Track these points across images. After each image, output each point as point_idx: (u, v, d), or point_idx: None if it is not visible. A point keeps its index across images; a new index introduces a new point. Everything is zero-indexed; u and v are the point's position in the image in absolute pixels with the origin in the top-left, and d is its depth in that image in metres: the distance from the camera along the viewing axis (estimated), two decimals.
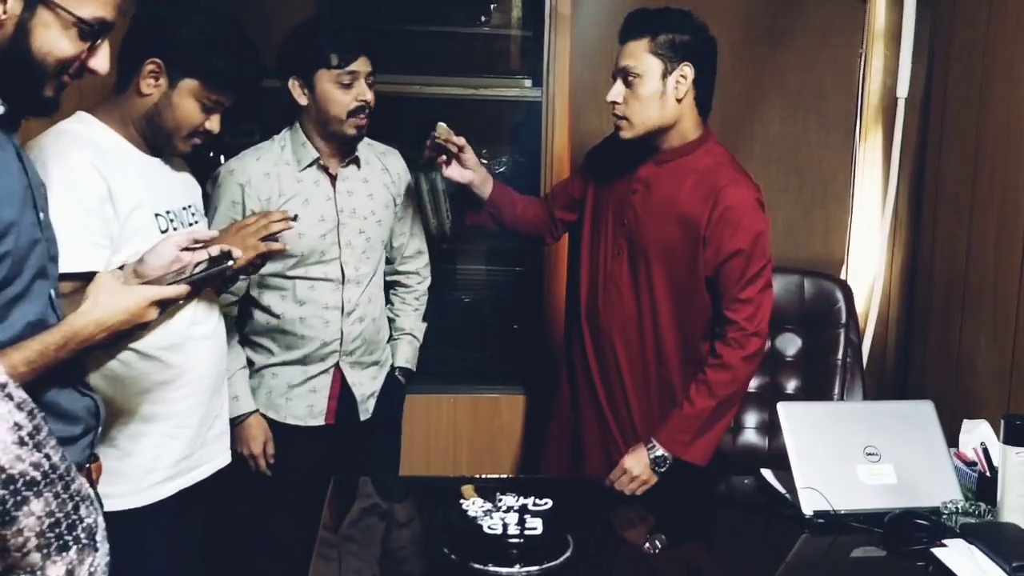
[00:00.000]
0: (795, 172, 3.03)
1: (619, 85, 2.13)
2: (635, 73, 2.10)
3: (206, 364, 1.94)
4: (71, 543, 0.94)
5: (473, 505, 1.87)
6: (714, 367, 2.13)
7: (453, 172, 2.30)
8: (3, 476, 0.87)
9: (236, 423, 2.24)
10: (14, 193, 1.35)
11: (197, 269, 1.58)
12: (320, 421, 2.37)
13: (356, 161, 2.38)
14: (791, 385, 2.88)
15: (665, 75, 2.09)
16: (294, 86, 2.26)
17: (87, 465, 1.52)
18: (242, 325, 2.36)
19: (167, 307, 1.53)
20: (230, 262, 1.59)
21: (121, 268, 1.67)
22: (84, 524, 0.95)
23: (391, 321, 2.56)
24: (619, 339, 2.23)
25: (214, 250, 1.62)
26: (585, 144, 2.84)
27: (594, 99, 2.84)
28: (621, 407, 2.26)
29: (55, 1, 1.33)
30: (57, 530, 0.92)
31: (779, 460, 2.08)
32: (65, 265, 1.59)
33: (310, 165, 2.30)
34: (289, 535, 2.29)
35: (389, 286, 2.56)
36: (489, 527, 1.77)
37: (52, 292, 1.45)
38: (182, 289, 1.53)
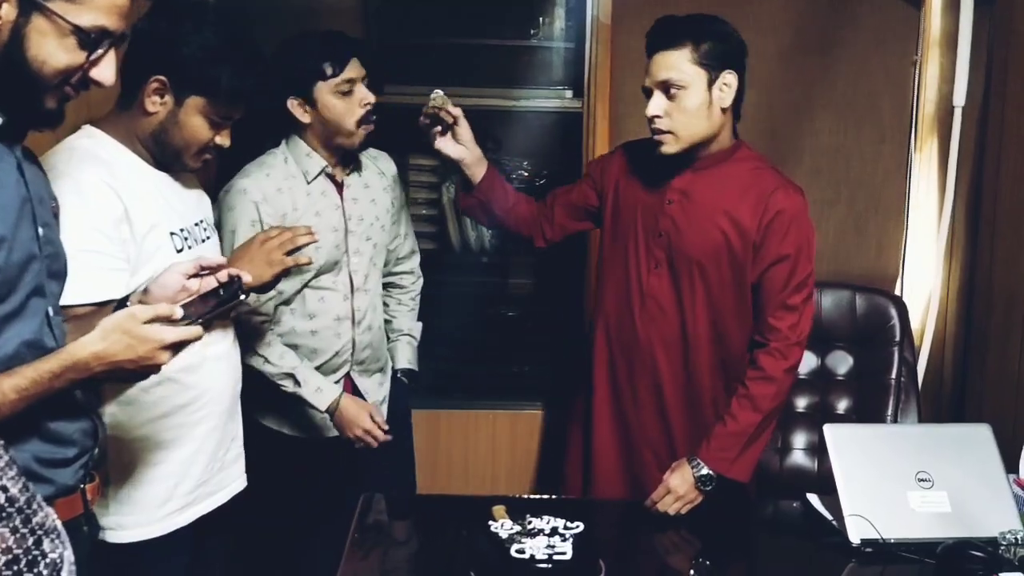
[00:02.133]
0: (846, 184, 2.93)
1: (659, 98, 2.03)
2: (679, 85, 2.01)
3: (222, 385, 1.88)
4: None
5: (502, 527, 1.82)
6: (757, 380, 2.05)
7: (444, 144, 2.22)
8: None
9: (332, 411, 2.27)
10: (9, 207, 1.31)
11: (208, 301, 1.48)
12: (333, 433, 2.33)
13: (359, 168, 2.36)
14: (842, 405, 2.77)
15: (710, 84, 2.02)
16: (293, 105, 2.21)
17: (82, 486, 1.46)
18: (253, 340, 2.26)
19: (180, 350, 1.41)
20: (243, 295, 1.51)
21: (125, 302, 1.57)
22: (47, 560, 0.89)
23: (387, 323, 2.53)
24: (662, 354, 2.15)
25: (223, 276, 1.54)
26: None
27: (636, 109, 2.75)
28: (658, 424, 2.18)
29: (51, 8, 1.28)
30: (15, 567, 0.86)
31: (827, 484, 1.98)
32: (84, 295, 1.56)
33: (318, 175, 2.27)
34: (312, 553, 2.27)
35: (384, 287, 2.52)
36: (516, 551, 1.72)
37: (50, 310, 1.40)
38: (197, 331, 1.41)
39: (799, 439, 2.74)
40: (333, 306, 2.30)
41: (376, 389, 2.44)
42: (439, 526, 2.05)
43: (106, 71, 1.36)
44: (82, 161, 1.66)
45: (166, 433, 1.78)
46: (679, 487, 2.02)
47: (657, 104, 2.04)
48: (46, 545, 0.91)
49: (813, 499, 2.06)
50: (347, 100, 2.20)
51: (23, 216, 1.34)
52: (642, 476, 2.14)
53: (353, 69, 2.21)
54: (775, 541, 2.05)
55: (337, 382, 2.34)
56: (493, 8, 3.12)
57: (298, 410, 2.31)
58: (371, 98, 2.23)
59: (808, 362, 2.80)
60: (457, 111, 2.18)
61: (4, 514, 0.87)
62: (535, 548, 1.72)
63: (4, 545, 0.87)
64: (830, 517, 1.97)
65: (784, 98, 2.83)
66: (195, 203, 1.90)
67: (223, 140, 1.80)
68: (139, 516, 1.76)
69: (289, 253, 1.88)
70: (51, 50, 1.30)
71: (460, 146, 2.21)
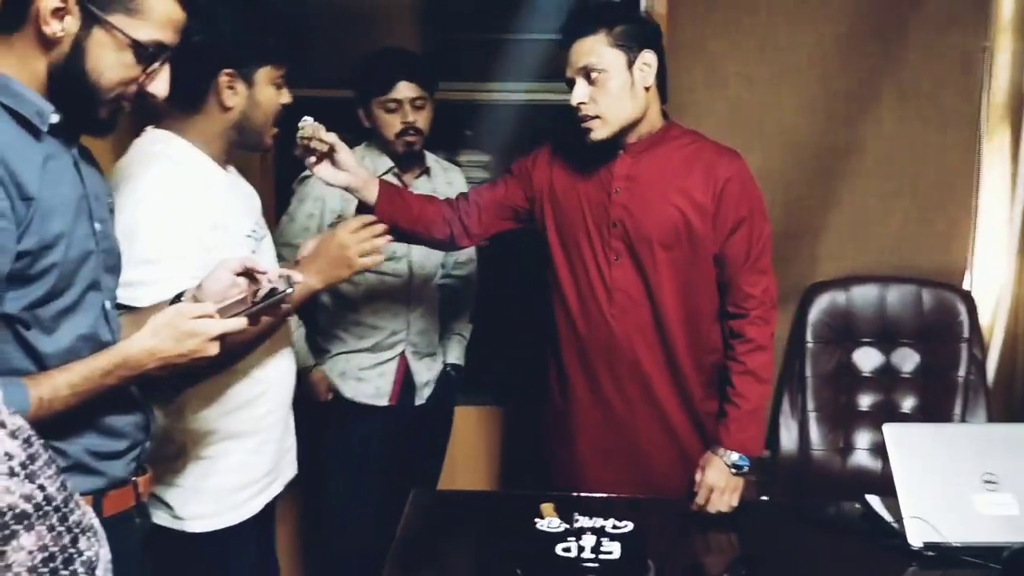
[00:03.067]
0: (910, 175, 2.82)
1: (582, 86, 2.02)
2: (599, 69, 2.00)
3: (284, 375, 1.93)
4: None
5: (549, 525, 1.79)
6: (751, 352, 2.07)
7: (325, 173, 2.02)
8: None
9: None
10: (67, 204, 1.35)
11: (258, 297, 1.50)
12: (384, 402, 2.60)
13: (427, 172, 2.63)
14: (907, 404, 2.70)
15: (630, 65, 2.02)
16: (360, 113, 2.54)
17: (133, 479, 1.49)
18: (317, 317, 2.60)
19: (225, 341, 1.43)
20: (289, 290, 1.53)
21: (179, 297, 1.58)
22: (83, 557, 0.90)
23: (442, 321, 2.74)
24: (641, 344, 2.11)
25: (274, 278, 1.55)
26: None
27: (690, 101, 2.73)
28: (650, 413, 2.13)
29: (111, 22, 1.33)
30: (51, 565, 0.87)
31: (890, 485, 1.90)
32: (162, 293, 1.58)
33: (385, 173, 2.51)
34: (361, 527, 2.53)
35: (440, 289, 2.72)
36: (563, 550, 1.69)
37: (106, 304, 1.44)
38: (242, 322, 1.44)
39: (862, 439, 2.67)
40: (393, 289, 2.55)
41: (425, 371, 2.68)
42: (486, 523, 2.03)
43: (161, 84, 1.40)
44: (159, 167, 1.69)
45: (239, 425, 1.82)
46: (718, 481, 2.01)
47: (581, 91, 2.02)
48: (82, 543, 0.91)
49: (873, 500, 1.99)
50: (392, 116, 2.48)
51: (80, 212, 1.37)
52: (642, 467, 2.12)
53: (401, 91, 2.47)
54: (831, 542, 1.97)
55: (393, 358, 2.60)
56: (546, 3, 3.09)
57: (356, 378, 2.58)
58: (411, 118, 2.48)
59: (872, 359, 2.73)
60: (331, 137, 1.98)
61: (41, 512, 0.87)
62: (583, 547, 1.69)
63: (41, 543, 0.87)
64: (890, 519, 1.90)
65: (843, 85, 2.74)
66: (252, 200, 1.95)
67: (287, 98, 1.85)
68: (209, 506, 1.79)
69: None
70: (109, 63, 1.34)
71: (342, 172, 2.03)
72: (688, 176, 2.08)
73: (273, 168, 2.82)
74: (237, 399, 1.81)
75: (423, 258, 2.56)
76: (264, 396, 1.85)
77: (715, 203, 2.06)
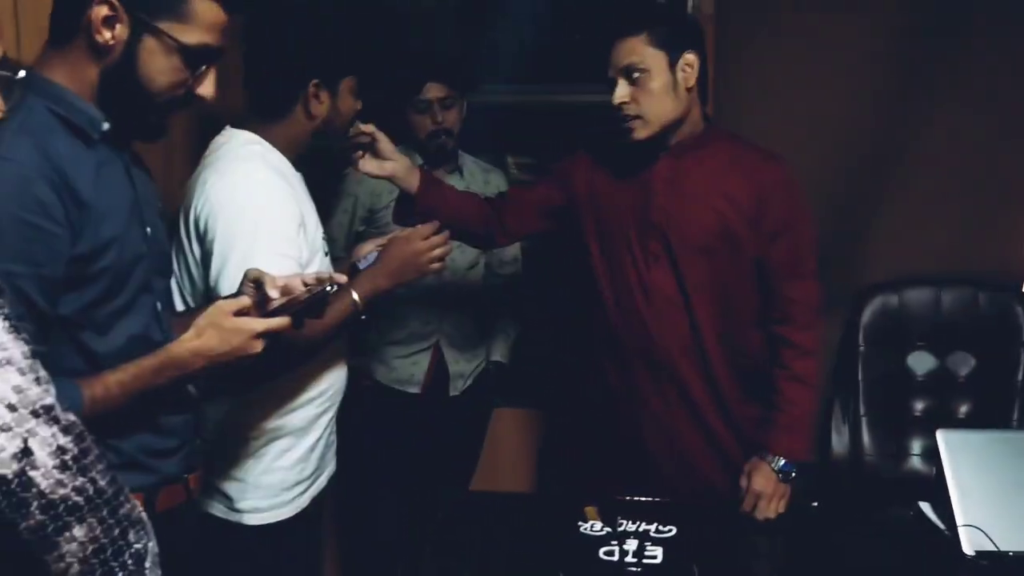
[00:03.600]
0: (968, 175, 2.74)
1: (623, 85, 2.00)
2: (641, 68, 1.98)
3: (338, 376, 1.97)
4: (117, 569, 0.92)
5: (592, 528, 1.79)
6: (798, 357, 2.05)
7: (370, 166, 2.07)
8: (43, 501, 0.86)
9: None
10: (119, 209, 1.38)
11: (302, 298, 1.52)
12: (415, 389, 2.66)
13: (459, 171, 2.67)
14: (963, 409, 2.63)
15: (672, 66, 2.00)
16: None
17: (185, 476, 1.52)
18: None
19: (271, 339, 1.45)
20: (330, 288, 1.55)
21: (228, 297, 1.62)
22: (132, 550, 0.93)
23: (488, 320, 2.76)
24: (676, 347, 2.09)
25: (323, 275, 1.58)
26: None
27: (740, 103, 2.70)
28: (686, 415, 2.11)
29: (161, 28, 1.36)
30: (101, 556, 0.90)
31: (945, 492, 1.86)
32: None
33: None
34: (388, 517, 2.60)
35: (487, 289, 2.75)
36: (606, 553, 1.69)
37: (157, 305, 1.47)
38: (285, 321, 1.45)
39: (915, 444, 2.62)
40: (424, 280, 2.44)
41: (463, 363, 2.71)
42: (529, 524, 2.03)
43: (209, 87, 1.43)
44: (263, 166, 1.76)
45: (298, 423, 1.87)
46: (766, 488, 1.99)
47: (622, 91, 2.00)
48: (131, 536, 0.94)
49: (925, 507, 1.94)
50: (423, 117, 2.54)
51: (132, 217, 1.41)
52: (683, 469, 2.10)
53: (430, 91, 2.52)
54: (881, 550, 1.93)
55: (427, 348, 2.65)
56: (593, 3, 3.08)
57: (389, 364, 2.66)
58: (439, 118, 2.53)
59: (926, 363, 2.67)
60: (370, 127, 2.03)
61: (93, 505, 0.90)
62: (626, 551, 1.68)
63: (92, 534, 0.90)
64: (943, 527, 1.86)
65: (897, 83, 2.67)
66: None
67: (359, 105, 1.94)
68: (273, 499, 1.84)
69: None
70: (160, 68, 1.37)
71: (388, 161, 2.07)
72: (730, 179, 2.06)
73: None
74: (297, 398, 1.86)
75: (458, 251, 2.53)
76: (322, 396, 1.91)
77: (758, 207, 2.04)
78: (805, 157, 2.69)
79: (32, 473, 0.84)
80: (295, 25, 1.87)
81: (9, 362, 0.85)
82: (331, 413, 1.96)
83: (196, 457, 1.59)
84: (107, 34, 1.33)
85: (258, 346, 1.42)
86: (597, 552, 1.68)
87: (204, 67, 1.41)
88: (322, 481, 1.97)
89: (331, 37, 1.85)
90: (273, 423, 1.83)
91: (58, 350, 1.30)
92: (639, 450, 2.14)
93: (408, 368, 2.65)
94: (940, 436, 1.86)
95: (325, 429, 1.94)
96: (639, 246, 2.09)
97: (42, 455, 0.85)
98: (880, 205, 2.75)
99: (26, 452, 0.84)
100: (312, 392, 1.88)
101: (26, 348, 0.88)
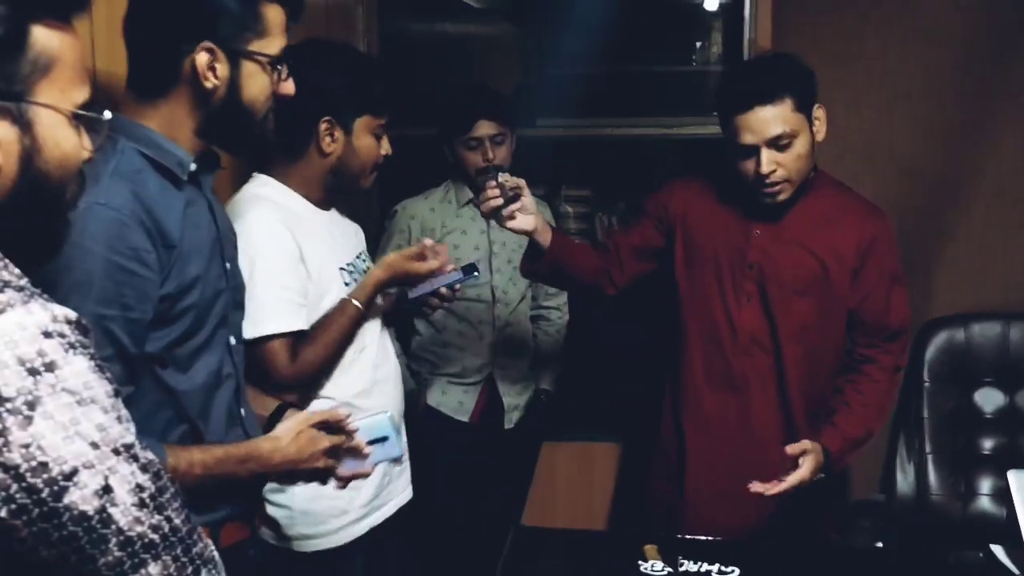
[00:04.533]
0: None
1: (770, 154, 1.94)
2: (792, 135, 1.95)
3: (389, 405, 1.95)
4: None
5: (652, 568, 1.76)
6: (874, 391, 2.07)
7: (521, 223, 2.06)
8: (121, 538, 0.86)
9: None
10: (203, 247, 1.40)
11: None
12: (465, 418, 2.67)
13: None
14: None
15: (811, 126, 1.99)
16: (447, 149, 2.61)
17: (249, 511, 1.52)
18: (408, 341, 2.71)
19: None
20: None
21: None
22: None
23: (534, 350, 2.79)
24: (757, 388, 2.07)
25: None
26: None
27: None
28: (754, 455, 2.06)
29: (252, 51, 1.38)
30: None
31: (1015, 534, 1.81)
32: (273, 326, 1.74)
33: (466, 204, 2.64)
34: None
35: (532, 320, 2.80)
36: None
37: (231, 339, 1.48)
38: (360, 467, 1.62)
39: (984, 484, 2.53)
40: (477, 313, 2.64)
41: (515, 396, 2.72)
42: (589, 562, 2.00)
43: (290, 84, 1.45)
44: (265, 208, 1.81)
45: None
46: (809, 472, 1.95)
47: (770, 160, 1.95)
48: (203, 574, 0.94)
49: (998, 551, 1.88)
50: (473, 153, 2.55)
51: (214, 254, 1.43)
52: (739, 510, 2.04)
53: (481, 129, 2.54)
54: None
55: (479, 381, 2.67)
56: (648, 36, 3.10)
57: (441, 390, 2.68)
58: (490, 155, 2.54)
59: (994, 400, 2.60)
60: (520, 181, 2.06)
61: (168, 543, 0.91)
62: None
63: (166, 572, 0.90)
64: (1017, 572, 1.79)
65: (959, 113, 2.63)
66: (354, 237, 2.03)
67: (386, 149, 1.94)
68: (320, 527, 1.87)
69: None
70: (260, 87, 1.41)
71: (530, 215, 2.07)
72: (834, 227, 2.04)
73: (378, 205, 2.88)
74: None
75: (505, 283, 2.65)
76: None
77: (859, 259, 2.03)
78: (864, 188, 2.62)
79: (112, 510, 0.85)
80: (305, 62, 1.77)
81: (93, 400, 0.86)
82: None
83: (259, 492, 1.59)
84: (213, 78, 1.35)
85: (324, 463, 1.50)
86: None
87: (281, 67, 1.44)
88: (387, 509, 1.99)
89: (340, 74, 1.85)
90: None
91: (141, 388, 1.32)
92: (708, 487, 2.11)
93: (459, 396, 2.68)
94: (1012, 477, 1.81)
95: None
96: (731, 284, 2.07)
97: (121, 492, 0.86)
98: (943, 238, 2.70)
99: (107, 489, 0.85)
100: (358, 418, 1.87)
101: (109, 388, 0.89)
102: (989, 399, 2.59)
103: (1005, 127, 2.67)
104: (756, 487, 1.91)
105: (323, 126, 1.82)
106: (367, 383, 1.92)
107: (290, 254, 1.79)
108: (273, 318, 1.74)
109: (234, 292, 1.50)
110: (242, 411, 1.52)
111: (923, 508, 2.54)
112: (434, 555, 2.64)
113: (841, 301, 2.04)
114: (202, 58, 1.34)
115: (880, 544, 2.43)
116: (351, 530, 1.91)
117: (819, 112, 2.00)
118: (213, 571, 0.95)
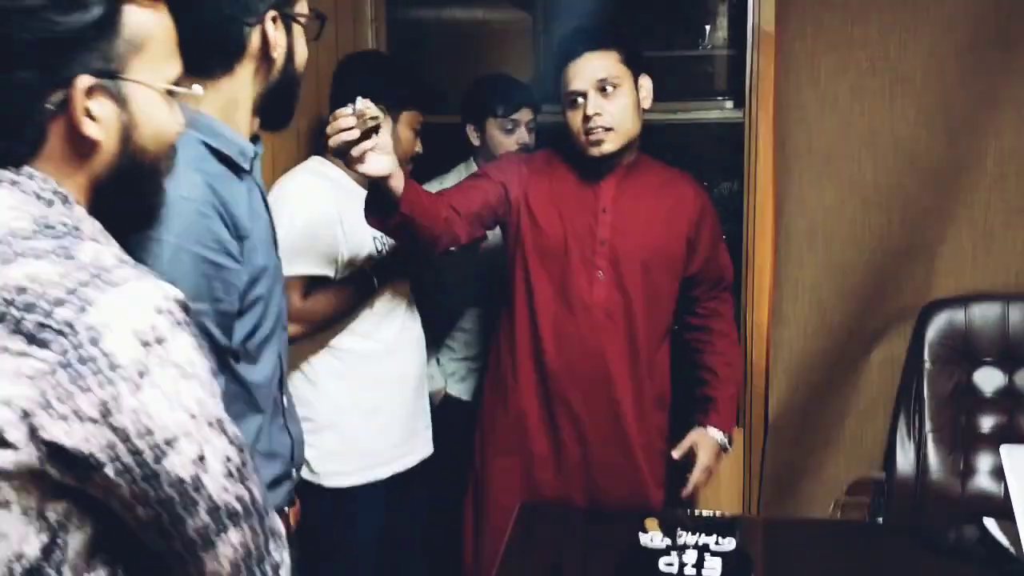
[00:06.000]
0: None
1: (597, 98, 2.08)
2: (614, 83, 2.09)
3: (412, 366, 2.27)
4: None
5: (652, 540, 1.82)
6: (731, 344, 2.37)
7: (375, 165, 1.75)
8: (210, 504, 0.91)
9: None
10: (264, 237, 1.42)
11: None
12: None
13: None
14: None
15: (635, 86, 2.13)
16: (470, 130, 2.74)
17: (285, 508, 1.56)
18: (430, 330, 2.63)
19: None
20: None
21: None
22: (271, 560, 0.98)
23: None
24: (615, 359, 2.17)
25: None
26: (791, 167, 2.72)
27: (800, 118, 2.70)
28: (613, 427, 2.21)
29: (298, 13, 1.41)
30: (247, 561, 0.95)
31: (1011, 509, 1.85)
32: (303, 268, 2.05)
33: None
34: None
35: None
36: (666, 565, 1.71)
37: (282, 315, 1.51)
38: None
39: (983, 462, 2.58)
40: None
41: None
42: (592, 535, 2.06)
43: (302, 43, 1.46)
44: (313, 175, 2.17)
45: (368, 403, 2.19)
46: (712, 460, 2.23)
47: (595, 103, 2.08)
48: (271, 546, 0.99)
49: (990, 524, 1.93)
50: (507, 136, 2.69)
51: (271, 242, 1.46)
52: (592, 474, 2.23)
53: (521, 114, 2.69)
54: (943, 566, 1.92)
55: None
56: (652, 20, 3.12)
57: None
58: (526, 139, 2.69)
59: (994, 380, 2.64)
60: (378, 112, 1.72)
61: (248, 513, 0.95)
62: (685, 563, 1.71)
63: (244, 540, 0.95)
64: (1007, 544, 1.84)
65: (962, 98, 2.65)
66: None
67: (419, 147, 2.27)
68: (342, 466, 2.16)
69: None
70: (304, 49, 1.44)
71: (386, 156, 1.77)
72: (668, 201, 2.22)
73: None
74: (367, 379, 2.19)
75: None
76: (391, 381, 2.22)
77: (694, 229, 2.23)
78: (867, 172, 2.70)
79: (204, 477, 0.91)
80: (365, 64, 2.22)
81: (195, 375, 0.90)
82: (403, 396, 2.25)
83: (293, 491, 1.62)
84: (278, 47, 1.36)
85: None
86: (657, 564, 1.71)
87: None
88: (408, 461, 2.27)
89: (390, 75, 2.18)
90: (346, 400, 2.16)
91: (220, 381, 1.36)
92: (566, 461, 2.22)
93: (478, 380, 2.75)
94: (1004, 451, 1.85)
95: (397, 411, 2.23)
96: (581, 260, 2.15)
97: (213, 462, 0.91)
98: (944, 221, 2.72)
99: (201, 458, 0.90)
100: (382, 376, 2.20)
101: (208, 365, 0.94)
102: (989, 379, 2.63)
103: (1007, 112, 2.67)
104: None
105: None
106: (393, 344, 2.22)
107: (326, 215, 2.09)
108: (295, 263, 1.98)
109: (280, 272, 1.51)
110: (284, 399, 1.54)
111: (923, 485, 2.58)
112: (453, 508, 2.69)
113: (678, 270, 2.24)
114: (271, 27, 1.33)
115: (880, 519, 2.49)
116: (374, 472, 2.19)
117: (644, 81, 2.15)
118: (280, 543, 1.00)
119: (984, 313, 2.65)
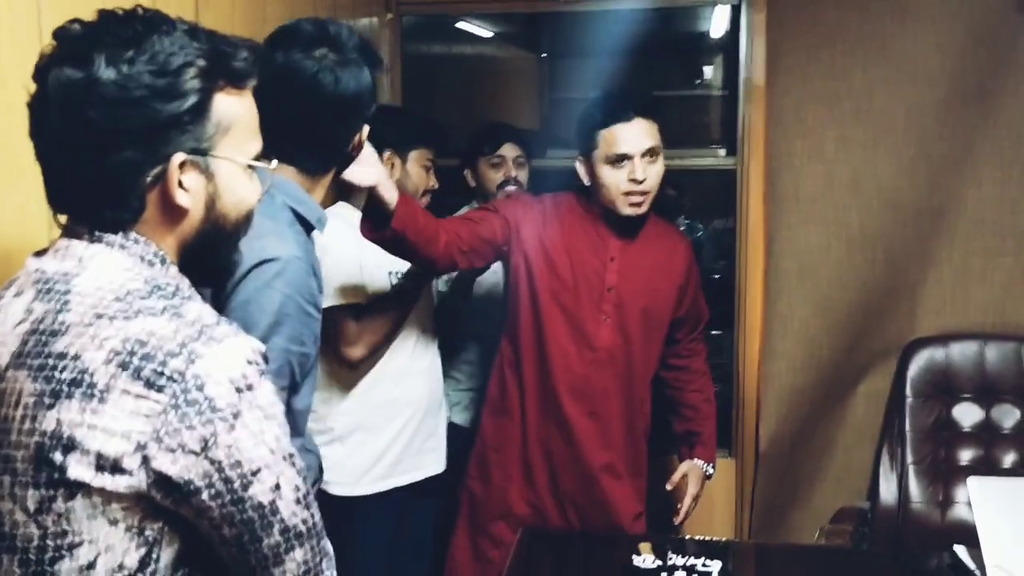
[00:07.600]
0: (1012, 234, 2.85)
1: (644, 164, 2.19)
2: (656, 151, 2.22)
3: (421, 393, 2.36)
4: None
5: (644, 562, 1.95)
6: (709, 383, 2.53)
7: (360, 172, 1.79)
8: (283, 525, 1.07)
9: None
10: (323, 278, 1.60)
11: None
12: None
13: None
14: (1008, 459, 2.72)
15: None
16: (467, 174, 2.85)
17: None
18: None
19: None
20: None
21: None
22: None
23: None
24: (615, 396, 2.33)
25: None
26: (780, 211, 2.87)
27: (788, 166, 2.85)
28: (603, 458, 2.34)
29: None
30: None
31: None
32: (333, 299, 2.14)
33: None
34: None
35: None
36: None
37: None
38: None
39: (962, 493, 2.70)
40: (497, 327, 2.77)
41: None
42: (589, 557, 2.20)
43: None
44: (338, 221, 2.17)
45: (375, 420, 2.29)
46: (698, 488, 2.41)
47: (644, 169, 2.19)
48: (324, 564, 1.14)
49: (960, 550, 2.06)
50: (496, 172, 2.80)
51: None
52: (588, 499, 2.35)
53: (506, 150, 2.79)
54: None
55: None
56: (653, 66, 3.27)
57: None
58: (512, 173, 2.79)
59: (972, 415, 2.77)
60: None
61: (310, 535, 1.11)
62: None
63: (305, 559, 1.10)
64: (975, 568, 1.97)
65: (942, 148, 2.80)
66: None
67: (434, 182, 2.42)
68: (346, 476, 2.25)
69: None
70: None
71: (372, 168, 1.82)
72: (665, 251, 2.37)
73: None
74: (377, 399, 2.28)
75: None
76: (399, 403, 2.31)
77: (684, 277, 2.39)
78: (854, 216, 2.84)
79: (279, 503, 1.06)
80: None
81: (275, 416, 1.06)
82: (414, 419, 2.33)
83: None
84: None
85: None
86: None
87: None
88: (414, 475, 2.35)
89: (400, 115, 2.34)
90: (355, 416, 2.26)
91: None
92: (556, 487, 2.37)
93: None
94: (971, 483, 1.99)
95: (403, 430, 2.31)
96: (590, 303, 2.29)
97: (287, 490, 1.07)
98: (925, 264, 2.86)
99: (277, 487, 1.06)
100: (390, 396, 2.29)
101: (283, 407, 1.09)
102: (967, 414, 2.77)
103: (984, 161, 2.82)
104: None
105: (386, 155, 2.22)
106: (404, 371, 2.31)
107: (352, 254, 2.21)
108: (337, 294, 2.14)
109: None
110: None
111: (904, 515, 2.72)
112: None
113: (670, 314, 2.38)
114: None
115: (865, 547, 2.62)
116: (376, 485, 2.28)
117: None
118: (330, 564, 1.15)
119: (963, 351, 2.79)
